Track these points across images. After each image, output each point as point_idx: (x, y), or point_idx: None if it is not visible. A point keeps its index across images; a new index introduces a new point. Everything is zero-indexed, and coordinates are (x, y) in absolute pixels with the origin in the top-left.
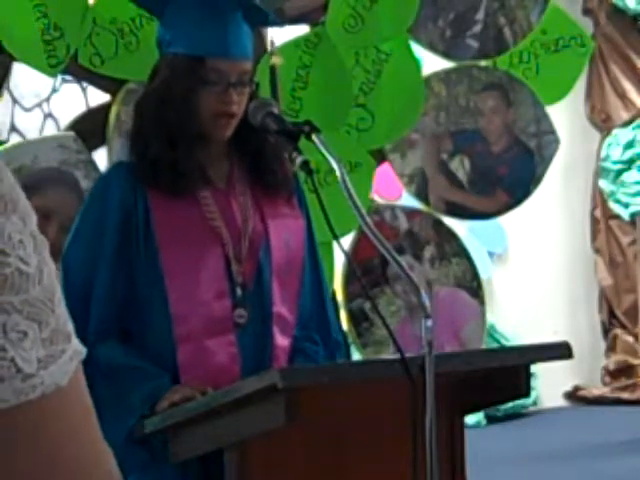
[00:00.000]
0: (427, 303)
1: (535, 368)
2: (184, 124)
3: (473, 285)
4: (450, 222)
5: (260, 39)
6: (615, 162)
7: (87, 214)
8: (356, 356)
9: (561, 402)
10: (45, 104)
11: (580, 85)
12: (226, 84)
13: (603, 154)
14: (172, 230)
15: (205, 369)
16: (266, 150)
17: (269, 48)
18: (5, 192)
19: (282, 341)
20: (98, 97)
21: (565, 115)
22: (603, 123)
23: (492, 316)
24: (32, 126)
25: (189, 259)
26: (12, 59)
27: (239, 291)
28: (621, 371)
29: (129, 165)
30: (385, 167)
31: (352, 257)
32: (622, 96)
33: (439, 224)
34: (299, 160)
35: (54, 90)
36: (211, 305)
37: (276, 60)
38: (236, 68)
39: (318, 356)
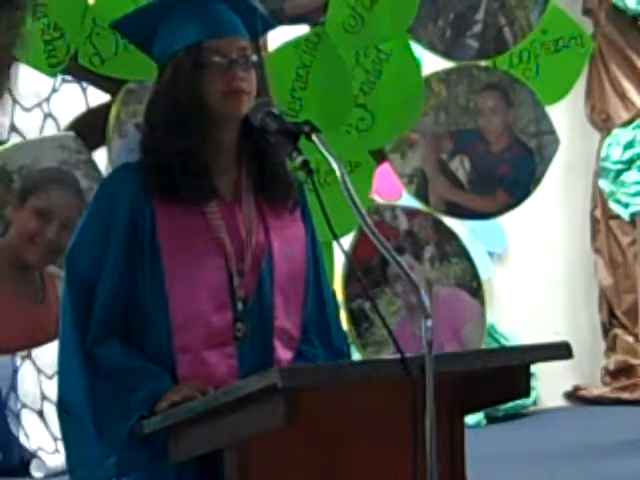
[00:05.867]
0: (427, 303)
1: (535, 368)
2: (196, 111)
3: (473, 285)
4: (450, 222)
5: (260, 39)
6: (615, 162)
7: (95, 215)
8: (356, 356)
9: (561, 402)
10: (45, 104)
11: (580, 85)
12: (228, 61)
13: (603, 154)
14: (176, 240)
15: (204, 381)
16: (274, 158)
17: (263, 48)
18: None
19: (285, 355)
20: (98, 97)
21: (565, 115)
22: (603, 123)
23: (492, 316)
24: (32, 126)
25: (192, 270)
26: (12, 59)
27: (240, 305)
28: (621, 371)
29: (138, 169)
30: (385, 167)
31: (352, 257)
32: (622, 96)
33: (439, 224)
34: (299, 160)
35: (54, 90)
36: (211, 317)
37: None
38: (233, 45)
39: (317, 359)
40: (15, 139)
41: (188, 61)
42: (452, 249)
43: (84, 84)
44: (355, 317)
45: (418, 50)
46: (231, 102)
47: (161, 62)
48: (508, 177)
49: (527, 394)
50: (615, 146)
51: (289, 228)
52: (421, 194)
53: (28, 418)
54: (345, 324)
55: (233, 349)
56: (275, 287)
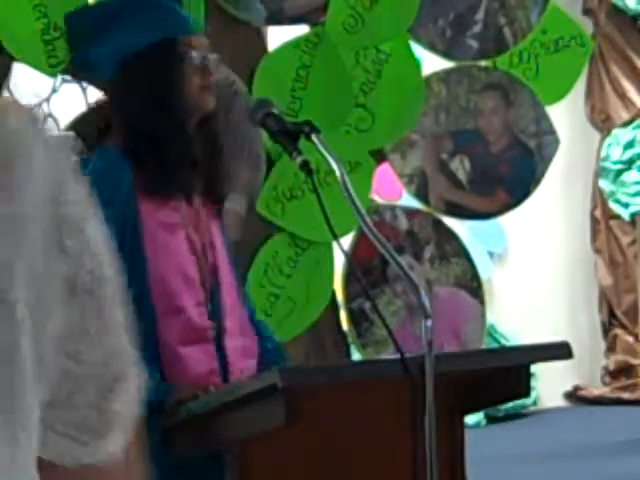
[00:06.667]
0: (427, 303)
1: (535, 368)
2: (178, 104)
3: (473, 285)
4: (450, 222)
5: (260, 39)
6: (615, 162)
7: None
8: (356, 356)
9: (561, 402)
10: (45, 104)
11: (580, 85)
12: (202, 57)
13: (603, 154)
14: (157, 236)
15: (186, 376)
16: (224, 158)
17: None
18: None
19: (243, 362)
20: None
21: (565, 115)
22: (603, 123)
23: (492, 316)
24: None
25: (172, 266)
26: (12, 59)
27: (209, 305)
28: (621, 371)
29: (123, 158)
30: (385, 167)
31: (352, 257)
32: (622, 96)
33: (439, 224)
34: (299, 160)
35: (54, 90)
36: (191, 314)
37: None
38: (202, 42)
39: (270, 353)
40: None
41: (166, 54)
42: (452, 249)
43: (84, 84)
44: (355, 317)
45: (418, 50)
46: (206, 96)
47: (119, 56)
48: (508, 177)
49: (527, 394)
50: (615, 146)
51: (218, 231)
52: (421, 194)
53: None
54: (345, 324)
55: (211, 347)
56: (222, 288)
